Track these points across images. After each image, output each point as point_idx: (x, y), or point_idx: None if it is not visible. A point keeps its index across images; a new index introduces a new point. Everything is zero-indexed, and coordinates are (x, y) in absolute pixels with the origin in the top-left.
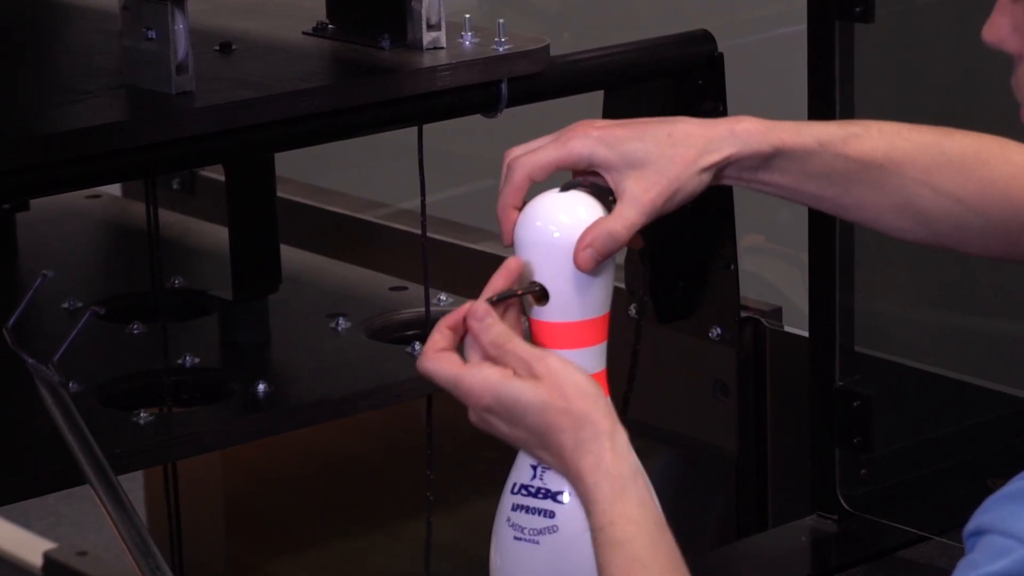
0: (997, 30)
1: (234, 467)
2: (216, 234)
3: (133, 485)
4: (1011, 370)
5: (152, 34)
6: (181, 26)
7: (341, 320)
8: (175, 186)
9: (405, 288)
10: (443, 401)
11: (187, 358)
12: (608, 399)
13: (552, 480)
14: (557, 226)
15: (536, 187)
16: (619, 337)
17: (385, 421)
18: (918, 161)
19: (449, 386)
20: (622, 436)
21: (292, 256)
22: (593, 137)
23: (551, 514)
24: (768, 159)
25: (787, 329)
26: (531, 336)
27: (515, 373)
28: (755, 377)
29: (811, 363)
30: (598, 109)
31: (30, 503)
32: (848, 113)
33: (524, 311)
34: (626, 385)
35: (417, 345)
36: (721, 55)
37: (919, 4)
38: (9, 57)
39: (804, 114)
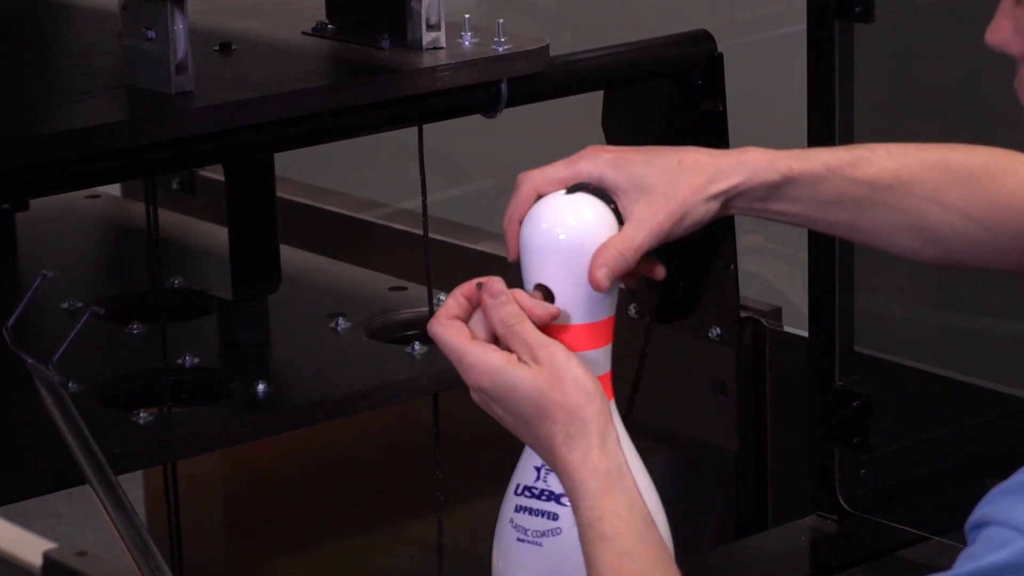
0: (1000, 32)
1: (234, 467)
2: (216, 234)
3: (133, 485)
4: (1011, 370)
5: (152, 34)
6: (181, 26)
7: (341, 320)
8: (175, 186)
9: (405, 288)
10: (444, 401)
11: (187, 358)
12: (605, 398)
13: (556, 482)
14: (563, 228)
15: None
16: (619, 337)
17: (385, 421)
18: (926, 179)
19: (453, 357)
20: (612, 435)
21: (292, 256)
22: (603, 159)
23: (554, 516)
24: (777, 187)
25: (787, 329)
26: None
27: (518, 358)
28: (755, 377)
29: (811, 363)
30: (598, 109)
31: (30, 503)
32: (848, 113)
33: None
34: (631, 387)
35: (417, 345)
36: (721, 55)
37: (919, 4)
38: (9, 57)
39: (804, 114)
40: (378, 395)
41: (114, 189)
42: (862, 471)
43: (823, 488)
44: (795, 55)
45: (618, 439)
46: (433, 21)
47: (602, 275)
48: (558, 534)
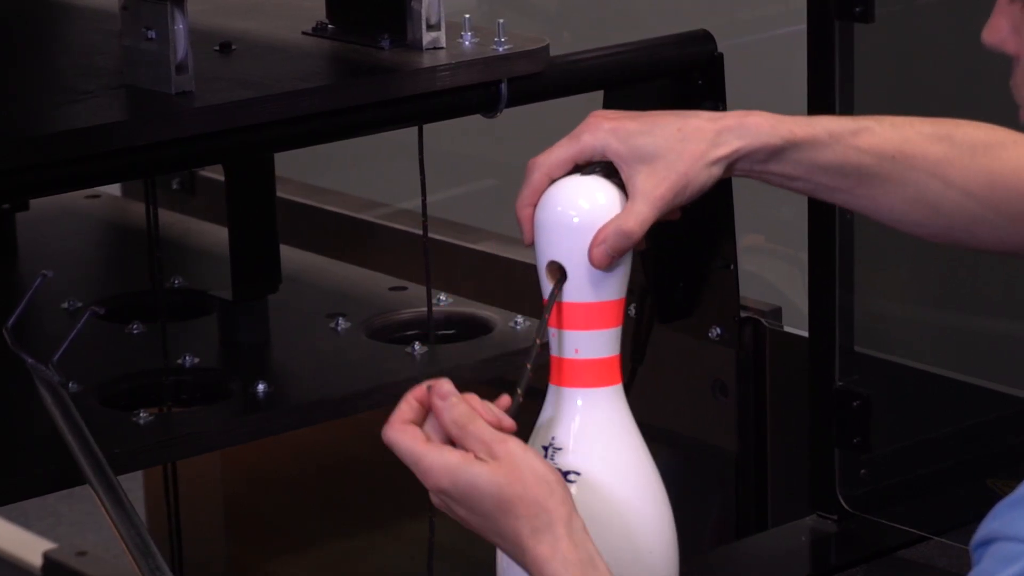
0: (996, 31)
1: (234, 467)
2: (216, 234)
3: (133, 485)
4: (1011, 370)
5: (152, 34)
6: (181, 26)
7: (341, 320)
8: (175, 186)
9: (404, 288)
10: None
11: (187, 358)
12: (566, 486)
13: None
14: (576, 210)
15: None
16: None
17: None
18: (929, 153)
19: (409, 462)
20: (578, 523)
21: (292, 256)
22: (605, 130)
23: None
24: (778, 151)
25: (787, 329)
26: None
27: (475, 456)
28: (755, 377)
29: (811, 363)
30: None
31: (30, 503)
32: (848, 113)
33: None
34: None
35: (417, 345)
36: (721, 55)
37: (919, 4)
38: (9, 57)
39: (804, 114)
40: (378, 395)
41: (114, 189)
42: (862, 471)
43: (823, 488)
44: (795, 55)
45: (584, 528)
46: (433, 21)
47: (599, 252)
48: None
